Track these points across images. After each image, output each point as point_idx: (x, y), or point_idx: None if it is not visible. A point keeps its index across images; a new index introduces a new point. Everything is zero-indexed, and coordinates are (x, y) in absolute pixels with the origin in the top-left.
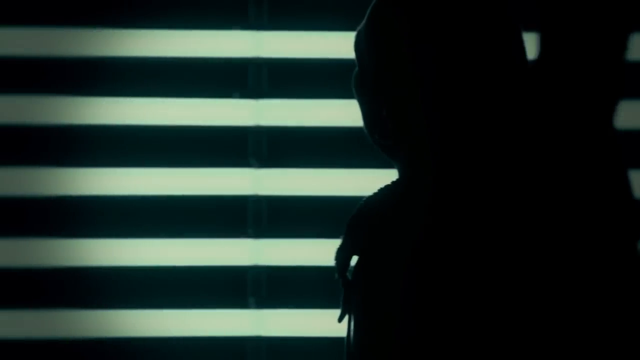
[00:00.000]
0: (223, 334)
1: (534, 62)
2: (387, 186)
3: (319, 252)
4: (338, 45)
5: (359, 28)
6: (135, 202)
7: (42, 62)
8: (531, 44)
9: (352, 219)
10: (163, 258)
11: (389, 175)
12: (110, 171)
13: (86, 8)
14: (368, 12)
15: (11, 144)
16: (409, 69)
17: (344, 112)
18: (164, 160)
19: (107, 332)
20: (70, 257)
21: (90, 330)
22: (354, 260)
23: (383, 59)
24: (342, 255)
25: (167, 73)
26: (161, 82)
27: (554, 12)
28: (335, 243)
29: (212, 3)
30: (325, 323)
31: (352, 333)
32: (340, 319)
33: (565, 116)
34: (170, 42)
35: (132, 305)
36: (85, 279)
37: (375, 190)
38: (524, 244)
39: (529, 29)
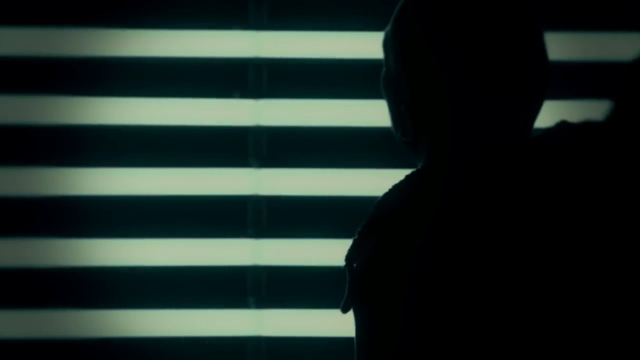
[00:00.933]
0: (223, 334)
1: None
2: (401, 181)
3: (319, 252)
4: (338, 45)
5: (386, 29)
6: (134, 202)
7: (41, 62)
8: (551, 43)
9: (368, 216)
10: (162, 258)
11: (389, 175)
12: (108, 171)
13: (84, 8)
14: (394, 14)
15: (10, 144)
16: (425, 67)
17: (344, 112)
18: (164, 160)
19: (106, 332)
20: (69, 257)
21: (89, 330)
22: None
23: (402, 57)
24: (351, 248)
25: (166, 73)
26: (161, 82)
27: None
28: (336, 243)
29: (212, 3)
30: (326, 323)
31: (357, 326)
32: (344, 310)
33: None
34: (170, 42)
35: (131, 305)
36: (84, 279)
37: (389, 187)
38: (537, 242)
39: (550, 28)
